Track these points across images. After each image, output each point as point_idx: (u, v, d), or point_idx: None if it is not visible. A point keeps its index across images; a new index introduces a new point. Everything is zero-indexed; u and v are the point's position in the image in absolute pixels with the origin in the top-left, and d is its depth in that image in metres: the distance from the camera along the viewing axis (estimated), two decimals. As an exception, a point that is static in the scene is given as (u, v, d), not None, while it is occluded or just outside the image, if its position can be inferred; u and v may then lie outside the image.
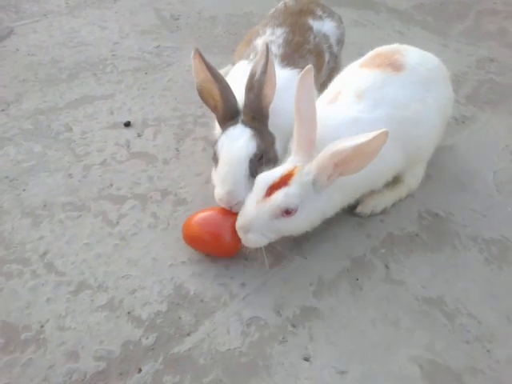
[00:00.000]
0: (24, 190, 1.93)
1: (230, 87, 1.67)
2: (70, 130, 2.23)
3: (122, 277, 1.64)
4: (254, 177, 1.55)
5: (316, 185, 1.50)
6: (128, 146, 2.15)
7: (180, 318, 1.53)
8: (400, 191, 1.91)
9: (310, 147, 1.52)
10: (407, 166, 1.84)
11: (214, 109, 1.72)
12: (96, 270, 1.65)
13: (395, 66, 1.75)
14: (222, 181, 1.61)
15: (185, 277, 1.65)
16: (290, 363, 1.43)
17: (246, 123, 1.66)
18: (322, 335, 1.50)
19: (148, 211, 1.86)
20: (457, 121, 2.39)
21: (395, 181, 1.88)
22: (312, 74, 1.53)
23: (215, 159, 1.66)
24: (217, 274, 1.65)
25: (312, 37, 2.05)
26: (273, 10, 2.26)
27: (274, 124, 1.72)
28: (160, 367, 1.41)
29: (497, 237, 1.83)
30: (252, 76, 1.66)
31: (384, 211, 1.89)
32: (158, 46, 2.86)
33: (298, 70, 1.85)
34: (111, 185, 1.96)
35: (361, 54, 1.94)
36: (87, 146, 2.14)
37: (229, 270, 1.66)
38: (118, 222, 1.82)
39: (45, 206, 1.87)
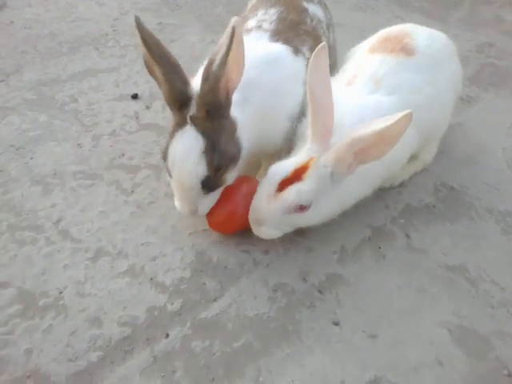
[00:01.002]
0: (31, 158, 1.86)
1: (176, 68, 1.41)
2: (76, 101, 2.16)
3: (142, 244, 1.59)
4: (213, 189, 1.47)
5: (334, 177, 1.42)
6: (137, 118, 2.10)
7: (204, 283, 1.50)
8: (416, 165, 1.92)
9: (327, 135, 1.42)
10: (423, 145, 1.84)
11: (160, 89, 1.46)
12: (114, 237, 1.60)
13: (407, 50, 1.73)
14: (180, 199, 1.49)
15: (206, 244, 1.61)
16: (320, 328, 1.41)
17: (196, 122, 1.41)
18: (349, 301, 1.49)
19: (163, 180, 1.82)
20: (462, 100, 2.41)
21: (411, 157, 1.88)
22: (326, 52, 1.41)
23: (168, 172, 1.47)
24: (238, 241, 1.62)
25: (309, 19, 1.85)
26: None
27: (248, 100, 1.52)
28: (188, 332, 1.37)
29: (511, 209, 1.85)
30: (210, 64, 1.40)
31: (401, 184, 1.89)
32: (160, 23, 2.81)
33: (291, 48, 1.68)
34: (123, 154, 1.91)
35: (364, 37, 1.92)
36: (95, 117, 2.08)
37: (250, 238, 1.62)
38: (133, 191, 1.77)
39: (55, 174, 1.80)
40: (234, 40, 1.31)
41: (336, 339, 1.39)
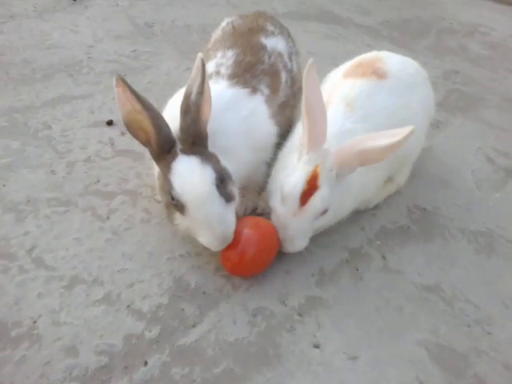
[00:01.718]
0: (4, 185, 1.82)
1: (160, 115, 1.46)
2: (49, 127, 2.14)
3: (118, 271, 1.57)
4: (228, 200, 1.46)
5: (338, 177, 1.50)
6: (112, 144, 2.09)
7: (183, 309, 1.48)
8: (390, 188, 1.96)
9: (322, 141, 1.49)
10: (397, 168, 1.89)
11: (146, 142, 1.47)
12: (89, 265, 1.57)
13: (378, 73, 1.79)
14: (209, 226, 1.41)
15: (184, 269, 1.60)
16: (301, 351, 1.41)
17: (186, 152, 1.45)
18: (329, 323, 1.49)
19: (139, 206, 1.80)
20: (432, 125, 2.47)
21: (386, 179, 1.92)
22: (315, 68, 1.48)
23: (178, 205, 1.42)
24: (217, 266, 1.61)
25: (266, 56, 1.86)
26: (219, 33, 2.03)
27: (215, 146, 1.54)
28: (167, 359, 1.35)
29: (482, 229, 1.90)
30: (187, 97, 1.46)
31: (376, 207, 1.92)
32: (135, 51, 2.83)
33: (248, 89, 1.72)
34: (98, 181, 1.89)
35: (335, 65, 1.98)
36: (69, 144, 2.06)
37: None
38: (108, 217, 1.75)
39: (28, 201, 1.77)
40: (204, 72, 1.45)
41: (317, 362, 1.38)
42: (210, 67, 1.78)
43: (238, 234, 1.45)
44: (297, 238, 1.51)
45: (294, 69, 2.02)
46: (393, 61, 1.87)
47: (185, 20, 3.30)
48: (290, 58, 2.01)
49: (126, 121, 1.44)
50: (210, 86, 1.52)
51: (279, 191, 1.52)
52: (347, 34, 3.43)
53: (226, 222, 1.43)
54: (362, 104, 1.69)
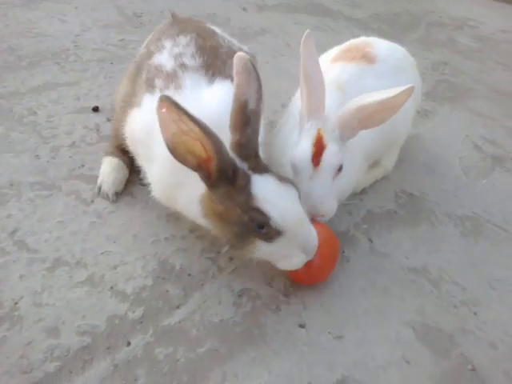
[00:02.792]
0: (-13, 169, 1.79)
1: (216, 134, 1.19)
2: (35, 113, 2.11)
3: (102, 253, 1.55)
4: None
5: (342, 139, 1.49)
6: (98, 130, 2.06)
7: (167, 291, 1.46)
8: (377, 173, 1.96)
9: (322, 108, 1.49)
10: (384, 151, 1.88)
11: (196, 167, 1.23)
12: (72, 247, 1.55)
13: (368, 58, 1.80)
14: (305, 246, 1.31)
15: (169, 252, 1.58)
16: (287, 330, 1.39)
17: (256, 170, 1.28)
18: (314, 304, 1.48)
19: (124, 190, 1.78)
20: (420, 114, 2.49)
21: (373, 163, 1.92)
22: (312, 37, 1.46)
23: (269, 233, 1.25)
24: (203, 249, 1.60)
25: (221, 39, 1.68)
26: (150, 37, 1.84)
27: None
28: (150, 339, 1.33)
29: (469, 213, 1.90)
30: (243, 106, 1.26)
31: (363, 191, 1.91)
32: (123, 40, 2.80)
33: (228, 80, 1.49)
34: (82, 165, 1.87)
35: None
36: (54, 129, 2.04)
37: (215, 245, 1.60)
38: (92, 201, 1.72)
39: (11, 185, 1.74)
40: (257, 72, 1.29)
41: (302, 341, 1.37)
42: (165, 60, 1.53)
43: None
44: (325, 199, 1.47)
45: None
46: (381, 46, 1.88)
47: (174, 11, 3.27)
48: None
49: (171, 145, 1.18)
50: (186, 88, 1.41)
51: (290, 164, 1.50)
52: (336, 27, 3.43)
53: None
54: (353, 88, 1.69)
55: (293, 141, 1.56)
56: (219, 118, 1.30)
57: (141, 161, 1.60)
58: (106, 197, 1.73)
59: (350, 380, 1.29)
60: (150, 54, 1.59)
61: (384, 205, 1.89)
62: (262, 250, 1.29)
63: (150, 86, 1.49)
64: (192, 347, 1.32)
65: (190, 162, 1.21)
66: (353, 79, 1.72)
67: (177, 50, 1.54)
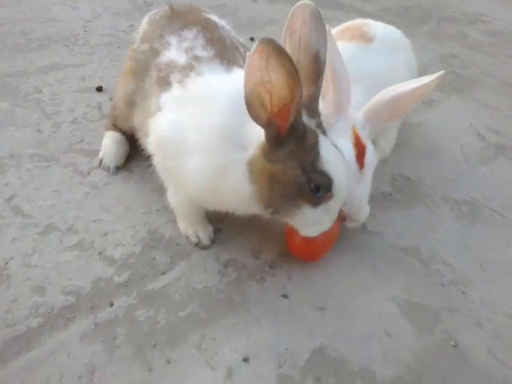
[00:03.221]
0: (-11, 141, 1.84)
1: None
2: (40, 91, 2.16)
3: (94, 221, 1.57)
4: None
5: (371, 135, 1.50)
6: (100, 108, 2.10)
7: (154, 258, 1.48)
8: (375, 155, 1.94)
9: (349, 104, 1.47)
10: (381, 132, 1.87)
11: (267, 123, 1.16)
12: (65, 215, 1.58)
13: (366, 37, 1.81)
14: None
15: (160, 223, 1.60)
16: (269, 300, 1.40)
17: (323, 131, 1.28)
18: (300, 276, 1.48)
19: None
20: (424, 103, 2.47)
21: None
22: (331, 32, 1.40)
23: (320, 198, 1.24)
24: (193, 220, 1.60)
25: (222, 31, 1.60)
26: (145, 26, 1.75)
27: None
28: (133, 302, 1.35)
29: (467, 198, 1.88)
30: (316, 56, 1.22)
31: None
32: (131, 26, 2.84)
33: (242, 69, 1.36)
34: (82, 140, 1.90)
35: None
36: (58, 106, 2.08)
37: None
38: (89, 173, 1.76)
39: (12, 156, 1.78)
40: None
41: (284, 311, 1.37)
42: (175, 56, 1.47)
43: None
44: (366, 204, 1.47)
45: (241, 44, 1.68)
46: (377, 26, 1.89)
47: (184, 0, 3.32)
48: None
49: (248, 97, 1.11)
50: (206, 78, 1.36)
51: None
52: (348, 19, 3.41)
53: None
54: (354, 66, 1.68)
55: None
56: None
57: (169, 163, 1.43)
58: (107, 169, 1.76)
59: (328, 349, 1.29)
60: (155, 53, 1.53)
61: (379, 187, 1.87)
62: (305, 214, 1.27)
63: (165, 85, 1.43)
64: (173, 311, 1.33)
65: (261, 117, 1.15)
66: (354, 58, 1.71)
67: (186, 45, 1.48)
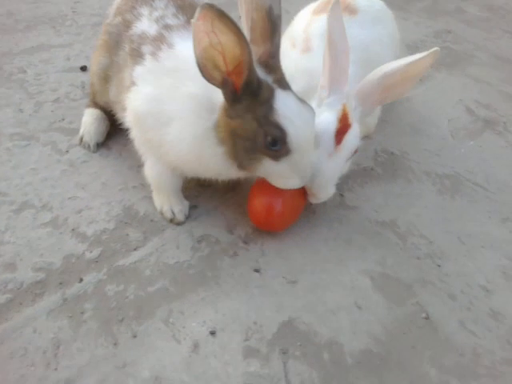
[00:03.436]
0: (-31, 120, 1.84)
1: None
2: (24, 72, 2.16)
3: (69, 198, 1.57)
4: None
5: (361, 116, 1.45)
6: (83, 87, 2.09)
7: (127, 234, 1.48)
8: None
9: (346, 82, 1.42)
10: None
11: (223, 83, 1.19)
12: (41, 192, 1.58)
13: (350, 9, 1.77)
14: (309, 168, 1.34)
15: (135, 199, 1.60)
16: (240, 274, 1.39)
17: (281, 85, 1.25)
18: (273, 250, 1.47)
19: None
20: (414, 78, 2.42)
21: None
22: (340, 5, 1.39)
23: (279, 151, 1.25)
24: (168, 197, 1.60)
25: None
26: (118, 0, 1.68)
27: None
28: (103, 277, 1.35)
29: (450, 172, 1.85)
30: (268, 12, 1.22)
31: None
32: (120, 6, 2.82)
33: None
34: (63, 119, 1.90)
35: None
36: (41, 86, 2.08)
37: (182, 194, 1.61)
38: (67, 151, 1.76)
39: (-9, 135, 1.79)
40: None
41: (254, 284, 1.37)
42: (146, 26, 1.47)
43: (267, 188, 1.38)
44: (330, 183, 1.42)
45: None
46: None
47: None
48: None
49: (200, 61, 1.13)
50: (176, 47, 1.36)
51: None
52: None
53: None
54: None
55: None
56: None
57: (149, 136, 1.43)
58: (88, 147, 1.76)
59: (297, 322, 1.28)
60: (127, 25, 1.53)
61: (361, 163, 1.85)
62: (266, 167, 1.29)
63: (138, 57, 1.43)
64: (143, 286, 1.34)
65: (216, 78, 1.18)
66: None
67: (156, 14, 1.48)
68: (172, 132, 1.34)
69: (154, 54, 1.40)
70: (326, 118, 1.39)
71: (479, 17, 3.25)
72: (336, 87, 1.42)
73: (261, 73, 1.23)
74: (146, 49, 1.42)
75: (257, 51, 1.25)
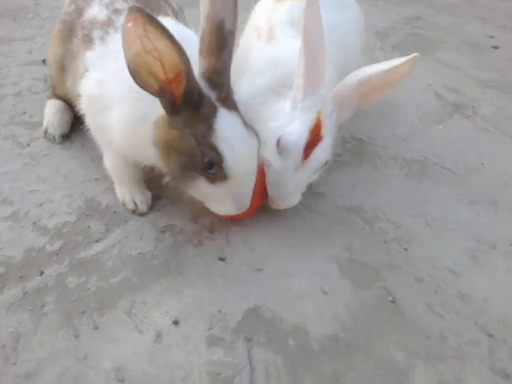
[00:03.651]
0: None
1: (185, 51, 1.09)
2: (-17, 66, 2.10)
3: (30, 192, 1.54)
4: None
5: (338, 122, 1.39)
6: (45, 80, 2.05)
7: (89, 226, 1.45)
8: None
9: (322, 83, 1.34)
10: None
11: (159, 91, 1.13)
12: (1, 186, 1.55)
13: None
14: (247, 196, 1.30)
15: (97, 191, 1.57)
16: (205, 263, 1.38)
17: (225, 104, 1.20)
18: (239, 239, 1.46)
19: (62, 135, 1.76)
20: (383, 65, 2.41)
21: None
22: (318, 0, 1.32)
23: (216, 175, 1.19)
24: (132, 188, 1.57)
25: None
26: None
27: None
28: (64, 270, 1.32)
29: (418, 157, 1.85)
30: (219, 26, 1.17)
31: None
32: None
33: (169, 17, 1.45)
34: (24, 112, 1.86)
35: None
36: (2, 80, 2.03)
37: (144, 184, 1.58)
38: (28, 145, 1.72)
39: (-52, 130, 1.74)
40: None
41: (219, 273, 1.35)
42: (97, 12, 1.45)
43: None
44: (294, 194, 1.39)
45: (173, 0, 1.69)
46: None
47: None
48: None
49: (132, 67, 1.08)
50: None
51: (274, 142, 1.36)
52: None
53: None
54: None
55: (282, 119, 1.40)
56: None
57: (98, 121, 1.43)
58: (53, 139, 1.72)
59: (262, 309, 1.27)
60: (79, 12, 1.51)
61: (329, 148, 1.83)
62: (201, 188, 1.23)
63: (89, 42, 1.41)
64: (105, 277, 1.31)
65: (151, 86, 1.11)
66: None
67: (106, 0, 1.46)
68: (114, 115, 1.30)
69: (102, 39, 1.39)
70: (297, 129, 1.32)
71: (449, 2, 3.26)
72: (311, 89, 1.34)
73: (204, 87, 1.18)
74: (96, 33, 1.41)
75: (202, 64, 1.20)
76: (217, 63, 1.19)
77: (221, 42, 1.18)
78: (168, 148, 1.21)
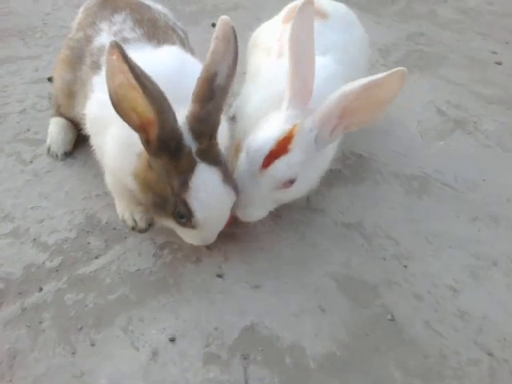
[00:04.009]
0: None
1: (166, 98, 1.11)
2: (-10, 84, 2.14)
3: (31, 208, 1.56)
4: None
5: (318, 143, 1.30)
6: (50, 98, 2.08)
7: (89, 243, 1.46)
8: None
9: (308, 95, 1.31)
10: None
11: (138, 128, 1.14)
12: (3, 203, 1.57)
13: (321, 13, 1.75)
14: (213, 238, 1.35)
15: (98, 208, 1.58)
16: (203, 280, 1.38)
17: (205, 157, 1.20)
18: (237, 256, 1.46)
19: (65, 152, 1.79)
20: (385, 81, 2.42)
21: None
22: (312, 7, 1.31)
23: (188, 225, 1.23)
24: (132, 204, 1.58)
25: (156, 13, 1.64)
26: (80, 16, 1.78)
27: None
28: (63, 286, 1.33)
29: (418, 173, 1.85)
30: (210, 78, 1.19)
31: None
32: (92, 17, 2.81)
33: (175, 46, 1.49)
34: (28, 130, 1.89)
35: None
36: (7, 98, 2.06)
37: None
38: (31, 161, 1.74)
39: (-46, 147, 1.76)
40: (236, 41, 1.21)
41: (216, 290, 1.35)
42: (105, 40, 1.49)
43: None
44: (250, 206, 1.33)
45: (182, 34, 1.74)
46: (324, 2, 1.84)
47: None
48: (174, 24, 1.74)
49: (115, 97, 1.09)
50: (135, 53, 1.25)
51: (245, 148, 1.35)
52: None
53: None
54: (318, 42, 1.63)
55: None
56: (167, 80, 1.17)
57: (98, 140, 1.47)
58: (56, 157, 1.75)
59: (259, 326, 1.27)
60: (88, 39, 1.57)
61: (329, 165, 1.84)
62: (171, 226, 1.30)
63: (97, 68, 1.46)
64: (103, 294, 1.32)
65: (132, 120, 1.12)
66: (316, 35, 1.66)
67: (115, 28, 1.52)
68: (108, 133, 1.33)
69: None
70: (264, 136, 1.29)
71: (452, 19, 3.28)
72: (295, 102, 1.32)
73: (186, 135, 1.18)
74: (104, 60, 1.41)
75: (190, 108, 1.21)
76: (200, 112, 1.19)
77: (209, 93, 1.19)
78: (145, 184, 1.25)
